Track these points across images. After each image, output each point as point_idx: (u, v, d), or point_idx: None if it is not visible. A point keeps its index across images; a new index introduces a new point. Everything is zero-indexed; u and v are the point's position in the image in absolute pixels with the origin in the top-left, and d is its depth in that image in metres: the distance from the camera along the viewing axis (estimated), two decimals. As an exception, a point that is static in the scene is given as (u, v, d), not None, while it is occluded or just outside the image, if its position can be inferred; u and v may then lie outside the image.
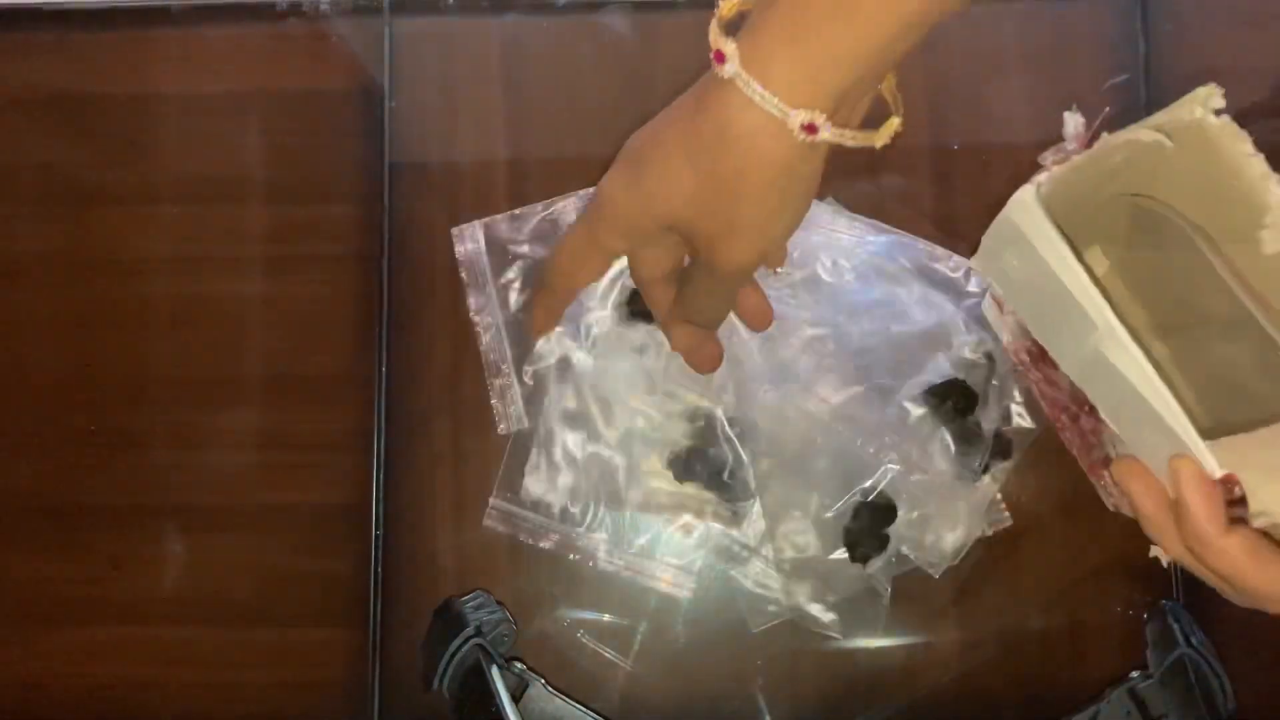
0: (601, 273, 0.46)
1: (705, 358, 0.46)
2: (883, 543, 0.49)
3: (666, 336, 0.46)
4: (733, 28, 0.34)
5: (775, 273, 0.49)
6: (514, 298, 0.52)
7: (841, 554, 0.49)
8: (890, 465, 0.48)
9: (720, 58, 0.33)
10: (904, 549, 0.49)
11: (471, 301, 0.51)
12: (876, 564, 0.49)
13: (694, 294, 0.42)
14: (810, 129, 0.32)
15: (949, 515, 0.49)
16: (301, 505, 0.52)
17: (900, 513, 0.49)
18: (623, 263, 0.46)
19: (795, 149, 0.34)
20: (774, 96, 0.32)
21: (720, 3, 0.35)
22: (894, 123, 0.36)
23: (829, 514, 0.49)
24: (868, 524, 0.48)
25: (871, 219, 0.51)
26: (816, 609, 0.49)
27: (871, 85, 0.35)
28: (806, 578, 0.49)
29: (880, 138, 0.36)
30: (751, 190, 0.35)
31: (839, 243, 0.51)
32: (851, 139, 0.34)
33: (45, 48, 0.54)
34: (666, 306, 0.44)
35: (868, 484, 0.49)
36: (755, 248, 0.37)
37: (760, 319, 0.45)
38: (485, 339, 0.51)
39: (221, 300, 0.53)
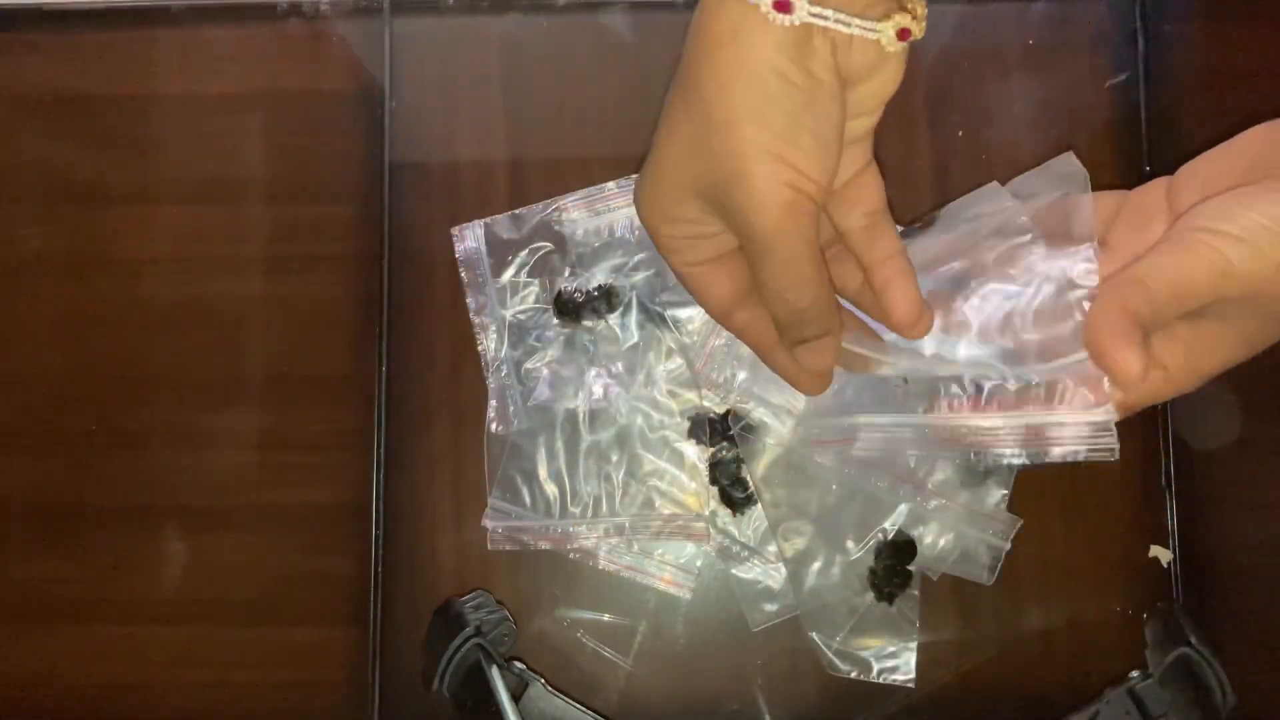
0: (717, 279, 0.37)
1: (806, 378, 0.39)
2: (906, 580, 0.49)
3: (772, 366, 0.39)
4: None
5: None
6: (514, 298, 0.52)
7: (868, 596, 0.49)
8: (904, 505, 0.49)
9: None
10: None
11: (471, 301, 0.51)
12: (900, 601, 0.49)
13: (758, 285, 0.35)
14: (782, 6, 0.29)
15: (958, 529, 0.49)
16: (301, 505, 0.52)
17: (927, 541, 0.49)
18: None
19: (781, 45, 0.30)
20: None
21: None
22: (902, 19, 0.31)
23: (852, 557, 0.49)
24: (890, 562, 0.49)
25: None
26: (847, 658, 0.49)
27: None
28: (834, 624, 0.49)
29: (887, 31, 0.31)
30: (742, 103, 0.31)
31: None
32: (838, 21, 0.30)
33: (45, 48, 0.54)
34: (721, 304, 0.37)
35: (887, 524, 0.49)
36: (775, 177, 0.31)
37: (904, 313, 0.36)
38: (485, 339, 0.51)
39: (222, 300, 0.53)
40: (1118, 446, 0.35)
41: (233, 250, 0.53)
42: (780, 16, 0.30)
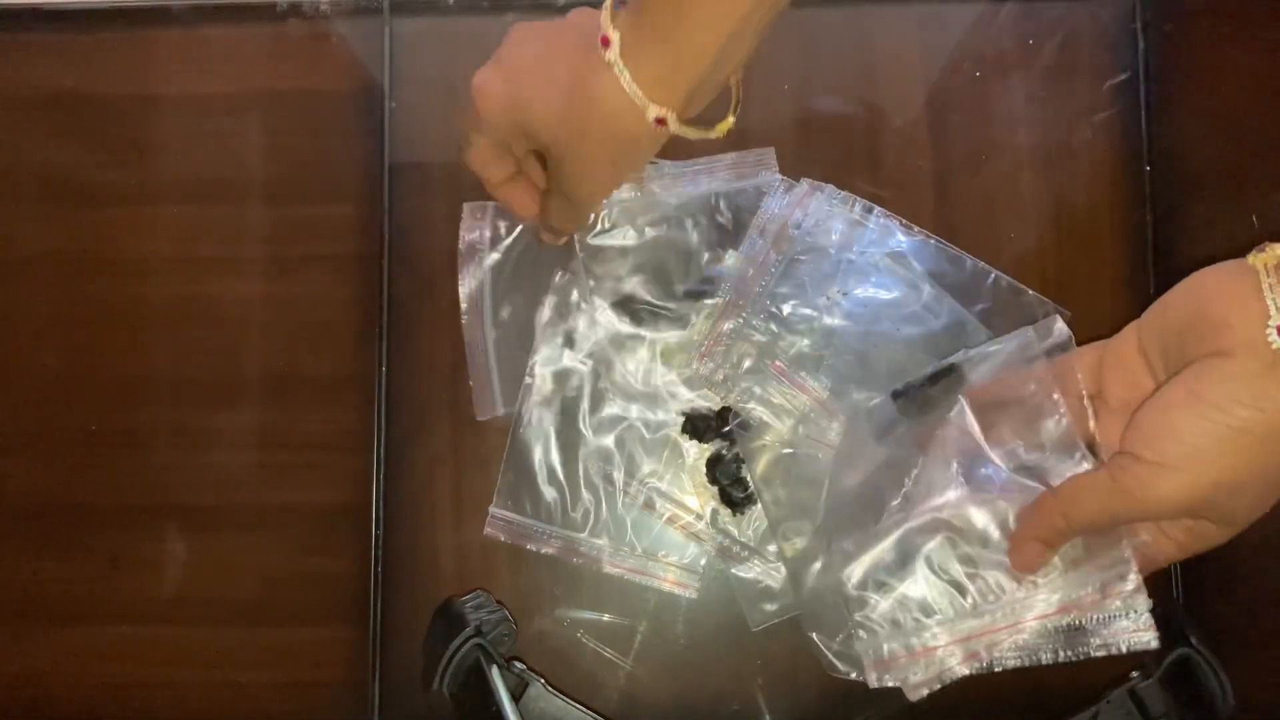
0: (503, 168, 0.46)
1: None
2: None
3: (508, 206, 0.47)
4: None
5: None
6: (511, 289, 0.51)
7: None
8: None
9: (605, 43, 0.37)
10: None
11: (463, 288, 0.51)
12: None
13: (552, 209, 0.46)
14: (661, 122, 0.38)
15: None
16: (301, 505, 0.52)
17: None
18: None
19: (648, 132, 0.39)
20: (639, 90, 0.37)
21: None
22: (728, 122, 0.41)
23: None
24: None
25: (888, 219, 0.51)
26: (847, 658, 0.49)
27: (715, 85, 0.39)
28: (834, 624, 0.49)
29: (717, 132, 0.41)
30: (604, 154, 0.41)
31: (853, 240, 0.50)
32: (692, 133, 0.39)
33: (45, 48, 0.54)
34: (499, 178, 0.46)
35: None
36: (600, 187, 0.44)
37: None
38: (472, 323, 0.51)
39: (222, 300, 0.53)
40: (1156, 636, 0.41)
41: (233, 250, 0.53)
42: (659, 128, 0.38)
